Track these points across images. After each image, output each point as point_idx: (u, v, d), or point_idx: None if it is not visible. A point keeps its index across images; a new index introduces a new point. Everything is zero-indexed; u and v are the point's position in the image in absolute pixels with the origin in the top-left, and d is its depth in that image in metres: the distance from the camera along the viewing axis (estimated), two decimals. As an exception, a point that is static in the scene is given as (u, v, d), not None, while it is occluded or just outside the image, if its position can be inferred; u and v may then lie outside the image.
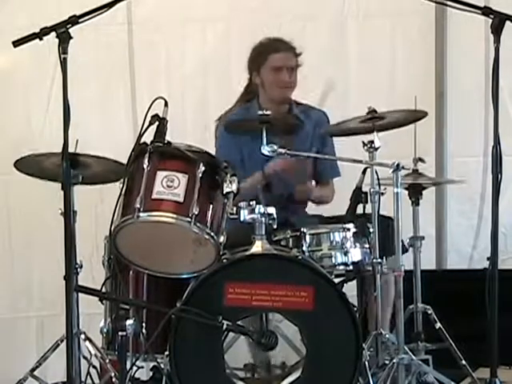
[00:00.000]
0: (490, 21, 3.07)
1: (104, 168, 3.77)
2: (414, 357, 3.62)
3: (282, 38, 4.27)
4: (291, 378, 3.50)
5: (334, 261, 3.74)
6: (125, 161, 3.35)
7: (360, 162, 3.72)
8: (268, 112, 3.68)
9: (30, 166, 3.91)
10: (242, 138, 4.14)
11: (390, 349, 3.71)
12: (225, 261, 3.42)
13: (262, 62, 4.24)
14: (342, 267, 3.76)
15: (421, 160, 4.06)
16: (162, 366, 3.45)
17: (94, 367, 3.83)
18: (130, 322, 3.23)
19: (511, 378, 3.84)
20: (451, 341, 3.95)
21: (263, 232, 3.48)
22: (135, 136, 3.38)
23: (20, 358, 4.67)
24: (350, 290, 4.01)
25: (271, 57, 4.22)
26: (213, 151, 4.12)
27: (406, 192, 4.02)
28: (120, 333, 3.21)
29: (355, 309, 3.66)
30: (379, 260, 3.64)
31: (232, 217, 3.43)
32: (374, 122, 3.72)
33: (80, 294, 3.61)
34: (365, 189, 3.74)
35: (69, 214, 3.16)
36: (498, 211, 3.07)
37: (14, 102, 4.84)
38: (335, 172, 4.39)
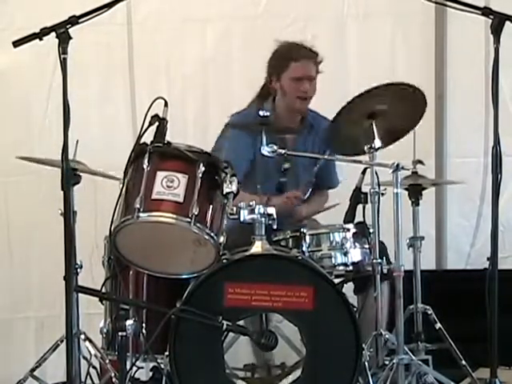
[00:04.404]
0: (490, 21, 3.07)
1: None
2: (413, 357, 3.63)
3: (303, 44, 4.22)
4: (291, 378, 3.50)
5: (333, 261, 3.75)
6: (124, 162, 3.35)
7: (360, 162, 3.72)
8: (267, 113, 3.67)
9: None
10: (258, 137, 4.13)
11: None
12: (225, 261, 3.42)
13: (283, 69, 4.20)
14: (341, 267, 3.77)
15: (420, 162, 4.06)
16: (162, 366, 3.45)
17: (94, 367, 3.83)
18: (129, 322, 3.23)
19: (511, 378, 3.84)
20: (451, 341, 3.95)
21: (263, 232, 3.48)
22: (135, 136, 3.38)
23: (18, 358, 4.67)
24: (350, 290, 4.02)
25: (292, 65, 4.18)
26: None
27: (406, 192, 4.01)
28: (120, 333, 3.21)
29: (355, 309, 3.66)
30: (379, 260, 3.64)
31: (232, 217, 3.43)
32: (375, 121, 3.72)
33: (79, 295, 3.61)
34: (364, 189, 3.74)
35: (69, 214, 3.16)
36: (497, 212, 3.07)
37: (13, 103, 4.83)
38: (332, 182, 4.40)
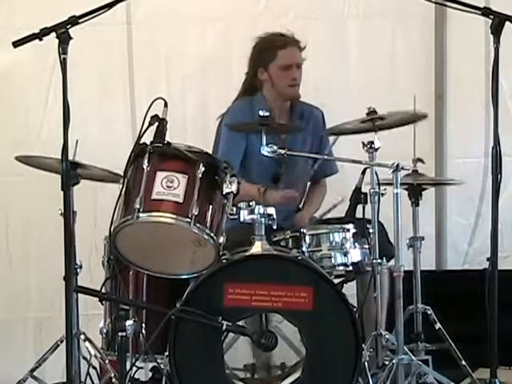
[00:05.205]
0: (490, 21, 3.07)
1: (104, 171, 3.77)
2: (413, 357, 3.63)
3: (284, 33, 4.23)
4: (291, 379, 3.51)
5: (333, 261, 3.75)
6: (124, 162, 3.35)
7: (360, 162, 3.72)
8: (267, 113, 3.67)
9: (30, 160, 3.92)
10: (247, 133, 4.14)
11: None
12: (224, 261, 3.42)
13: (271, 58, 4.22)
14: (341, 268, 3.77)
15: (420, 160, 4.06)
16: (162, 366, 3.45)
17: (94, 368, 3.83)
18: (129, 322, 3.23)
19: (511, 378, 3.84)
20: (451, 341, 3.95)
21: (263, 232, 3.48)
22: (134, 136, 3.38)
23: (17, 359, 4.66)
24: (350, 290, 4.02)
25: (280, 54, 4.20)
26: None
27: (406, 192, 4.01)
28: (120, 333, 3.21)
29: (355, 309, 3.66)
30: (379, 260, 3.64)
31: (232, 217, 3.43)
32: (374, 122, 3.72)
33: (78, 295, 3.61)
34: (364, 189, 3.74)
35: (69, 215, 3.16)
36: (497, 212, 3.07)
37: (12, 103, 4.83)
38: (330, 169, 4.39)
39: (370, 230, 3.69)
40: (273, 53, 4.22)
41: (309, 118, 4.30)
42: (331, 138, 4.25)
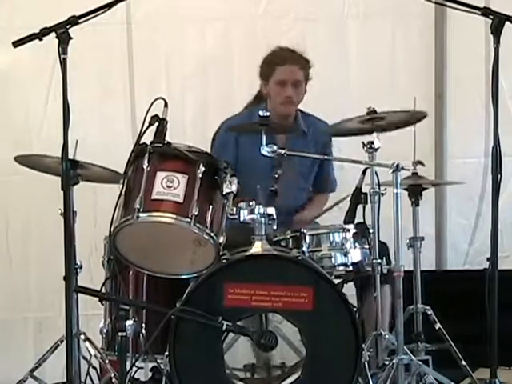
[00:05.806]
0: (490, 21, 3.07)
1: (103, 171, 3.77)
2: (413, 357, 3.63)
3: (293, 49, 4.22)
4: (291, 379, 3.50)
5: (333, 261, 3.74)
6: (124, 162, 3.35)
7: (360, 162, 3.72)
8: (267, 114, 3.66)
9: (30, 161, 3.92)
10: (241, 138, 4.14)
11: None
12: (224, 261, 3.42)
13: (270, 73, 4.22)
14: (341, 268, 3.76)
15: (420, 163, 4.06)
16: (162, 366, 3.45)
17: (94, 368, 3.83)
18: (129, 322, 3.23)
19: (511, 378, 3.84)
20: (451, 341, 3.95)
21: (263, 232, 3.48)
22: (134, 136, 3.37)
23: (17, 359, 4.66)
24: (350, 290, 4.02)
25: (277, 69, 4.20)
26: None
27: (406, 192, 4.01)
28: (120, 333, 3.21)
29: (355, 309, 3.66)
30: (379, 260, 3.64)
31: (232, 217, 3.43)
32: (374, 122, 3.72)
33: (78, 295, 3.61)
34: (365, 189, 3.74)
35: (69, 214, 3.16)
36: (497, 212, 3.07)
37: (12, 103, 4.83)
38: (331, 187, 4.41)
39: (370, 230, 3.69)
40: (273, 67, 4.22)
41: (313, 133, 4.28)
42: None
